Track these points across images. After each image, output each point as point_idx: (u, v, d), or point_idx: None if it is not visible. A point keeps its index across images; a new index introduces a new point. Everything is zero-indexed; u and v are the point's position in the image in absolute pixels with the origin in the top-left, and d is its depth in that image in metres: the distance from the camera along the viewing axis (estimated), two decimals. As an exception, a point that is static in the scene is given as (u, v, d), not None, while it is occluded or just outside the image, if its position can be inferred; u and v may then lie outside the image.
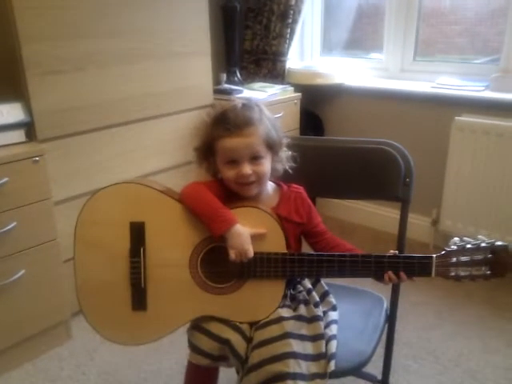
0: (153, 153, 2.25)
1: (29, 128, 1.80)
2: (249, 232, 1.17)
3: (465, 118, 2.38)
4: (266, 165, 1.24)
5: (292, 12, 2.74)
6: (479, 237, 1.18)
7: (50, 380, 1.84)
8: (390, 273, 1.18)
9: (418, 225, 2.63)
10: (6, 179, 1.66)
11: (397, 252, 1.22)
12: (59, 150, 1.89)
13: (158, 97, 2.20)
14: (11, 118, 1.74)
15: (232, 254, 1.16)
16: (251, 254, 1.16)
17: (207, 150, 1.26)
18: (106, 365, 1.89)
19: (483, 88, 2.41)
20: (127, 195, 1.22)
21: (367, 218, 2.91)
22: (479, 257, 1.16)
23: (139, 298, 1.22)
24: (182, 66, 2.27)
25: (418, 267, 1.18)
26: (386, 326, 1.43)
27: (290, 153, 1.32)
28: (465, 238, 1.18)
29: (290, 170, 1.32)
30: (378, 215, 2.83)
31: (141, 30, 2.07)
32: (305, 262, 1.20)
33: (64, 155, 1.92)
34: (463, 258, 1.16)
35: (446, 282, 2.28)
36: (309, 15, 3.03)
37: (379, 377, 1.54)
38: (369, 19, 3.07)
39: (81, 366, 1.90)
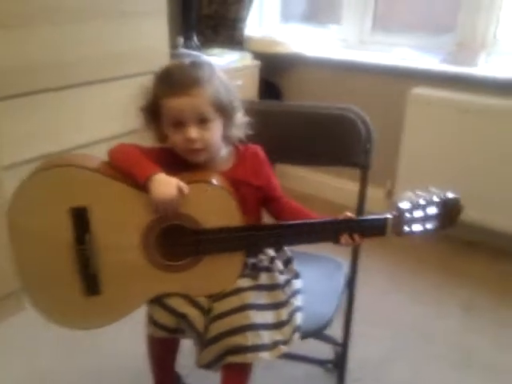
0: (105, 118, 2.14)
1: (-28, 86, 1.68)
2: (176, 181, 1.09)
3: (420, 91, 2.40)
4: (215, 130, 1.15)
5: (251, -23, 2.68)
6: (431, 189, 1.17)
7: (5, 351, 1.78)
8: (345, 236, 1.15)
9: (372, 196, 2.64)
10: None
11: (352, 215, 1.18)
12: (6, 111, 1.77)
13: (111, 58, 2.10)
14: (-48, 74, 1.62)
15: (154, 201, 1.07)
16: (177, 198, 1.08)
17: (152, 111, 1.17)
18: (62, 335, 1.83)
19: (439, 61, 2.45)
20: (61, 180, 1.10)
21: (323, 188, 2.93)
22: (432, 211, 1.15)
23: (91, 284, 1.15)
24: (135, 26, 2.15)
25: (373, 228, 1.17)
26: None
27: (246, 119, 1.22)
28: (418, 192, 1.17)
29: (245, 138, 1.24)
30: (334, 187, 2.85)
31: (93, -13, 1.96)
32: (261, 234, 1.17)
33: (11, 117, 1.80)
34: (416, 214, 1.15)
35: (400, 250, 2.36)
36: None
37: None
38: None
39: (36, 336, 1.83)
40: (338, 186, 2.79)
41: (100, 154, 1.22)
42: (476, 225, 2.23)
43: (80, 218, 1.10)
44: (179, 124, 1.13)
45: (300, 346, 1.24)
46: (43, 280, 1.16)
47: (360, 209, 1.49)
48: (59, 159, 1.16)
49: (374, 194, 2.67)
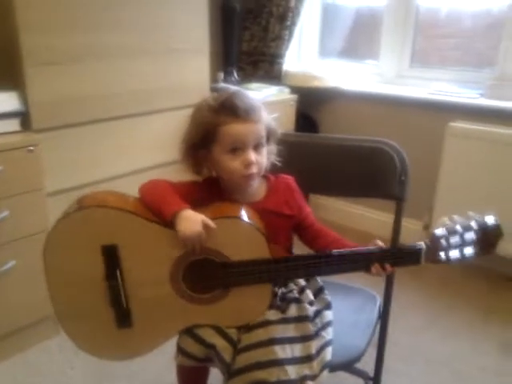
0: (147, 148, 2.23)
1: (24, 118, 1.78)
2: (202, 217, 1.10)
3: (459, 124, 2.39)
4: (265, 155, 1.20)
5: (291, 14, 2.76)
6: (469, 214, 1.14)
7: (39, 373, 1.82)
8: (377, 265, 1.14)
9: (410, 228, 2.62)
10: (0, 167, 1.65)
11: (382, 244, 1.16)
12: (53, 141, 1.87)
13: (155, 93, 2.20)
14: (6, 106, 1.73)
15: (180, 238, 1.09)
16: (203, 234, 1.09)
17: (202, 140, 1.18)
18: (95, 360, 1.86)
19: (478, 95, 2.44)
20: (93, 220, 1.14)
21: (357, 220, 2.92)
22: (470, 237, 1.12)
23: (123, 317, 1.18)
24: (179, 63, 2.27)
25: (406, 258, 1.15)
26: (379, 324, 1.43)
27: (276, 148, 1.26)
28: (454, 217, 1.14)
29: (280, 169, 1.27)
30: (369, 218, 2.84)
31: (140, 26, 2.07)
32: (291, 266, 1.16)
33: (58, 147, 1.90)
34: (453, 240, 1.12)
35: (435, 283, 2.31)
36: (307, 18, 3.05)
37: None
38: (365, 27, 3.09)
39: (70, 360, 1.87)
40: (374, 217, 2.78)
41: (140, 183, 1.25)
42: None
43: (111, 256, 1.14)
44: (236, 150, 1.15)
45: (330, 379, 1.21)
46: (75, 312, 1.19)
47: (394, 240, 1.48)
48: (92, 200, 1.18)
49: (412, 226, 2.65)
